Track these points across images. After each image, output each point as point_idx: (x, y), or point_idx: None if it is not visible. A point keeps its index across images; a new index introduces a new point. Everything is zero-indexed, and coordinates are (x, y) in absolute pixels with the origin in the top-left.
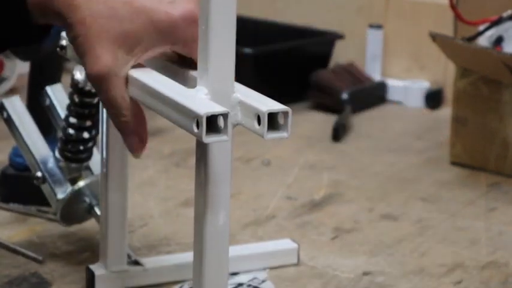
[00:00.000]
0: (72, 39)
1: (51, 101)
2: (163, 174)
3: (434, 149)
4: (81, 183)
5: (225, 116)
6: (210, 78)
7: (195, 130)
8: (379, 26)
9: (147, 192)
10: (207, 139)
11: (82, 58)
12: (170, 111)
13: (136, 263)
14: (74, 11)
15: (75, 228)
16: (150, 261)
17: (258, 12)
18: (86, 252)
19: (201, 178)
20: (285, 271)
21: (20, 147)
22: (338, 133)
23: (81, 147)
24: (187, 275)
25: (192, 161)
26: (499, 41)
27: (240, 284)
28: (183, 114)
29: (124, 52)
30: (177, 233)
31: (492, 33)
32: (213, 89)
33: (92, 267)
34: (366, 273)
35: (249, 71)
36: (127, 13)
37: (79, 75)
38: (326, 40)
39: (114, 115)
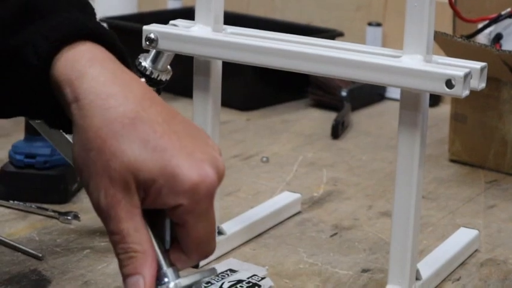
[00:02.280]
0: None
1: None
2: None
3: (433, 147)
4: None
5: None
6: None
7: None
8: (378, 24)
9: None
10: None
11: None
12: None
13: (219, 232)
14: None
15: (75, 225)
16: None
17: (257, 10)
18: (86, 249)
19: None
20: (285, 268)
21: (60, 148)
22: (337, 130)
23: None
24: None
25: None
26: (498, 38)
27: (240, 281)
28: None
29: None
30: None
31: (491, 30)
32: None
33: None
34: (365, 270)
35: (249, 69)
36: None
37: (146, 62)
38: (325, 38)
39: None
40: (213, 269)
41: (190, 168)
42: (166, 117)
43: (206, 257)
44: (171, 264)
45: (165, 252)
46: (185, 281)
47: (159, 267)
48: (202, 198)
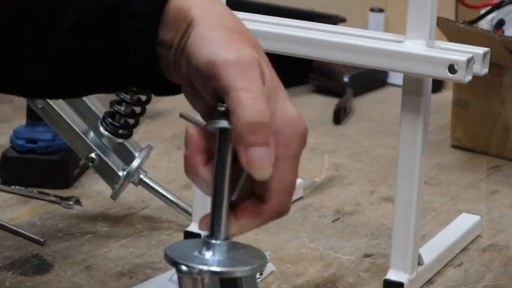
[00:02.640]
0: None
1: None
2: (164, 156)
3: (435, 133)
4: (137, 161)
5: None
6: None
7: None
8: (380, 10)
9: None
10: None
11: (223, 48)
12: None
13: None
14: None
15: (76, 210)
16: None
17: None
18: (88, 234)
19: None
20: (287, 253)
21: (62, 133)
22: (339, 116)
23: (132, 122)
24: None
25: None
26: (500, 24)
27: None
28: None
29: None
30: (178, 215)
31: (493, 16)
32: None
33: None
34: (367, 255)
35: None
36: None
37: None
38: (327, 24)
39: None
40: (265, 263)
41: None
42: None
43: (283, 212)
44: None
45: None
46: (229, 269)
47: (216, 222)
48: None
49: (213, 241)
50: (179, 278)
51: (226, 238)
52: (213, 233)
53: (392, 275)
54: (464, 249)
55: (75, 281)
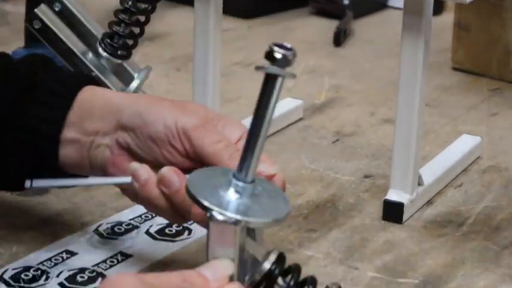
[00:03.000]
0: None
1: (64, 5)
2: (163, 78)
3: (436, 55)
4: (136, 82)
5: None
6: None
7: None
8: None
9: None
10: None
11: None
12: None
13: None
14: None
15: None
16: None
17: None
18: None
19: None
20: (286, 174)
21: (61, 54)
22: (339, 38)
23: (130, 43)
24: None
25: None
26: None
27: None
28: None
29: None
30: None
31: None
32: None
33: None
34: (367, 176)
35: None
36: None
37: None
38: None
39: None
40: (289, 208)
41: None
42: None
43: None
44: None
45: None
46: (263, 220)
47: (246, 165)
48: None
49: (241, 183)
50: (209, 222)
51: (253, 181)
52: (241, 174)
53: (393, 195)
54: (464, 170)
55: (75, 201)
